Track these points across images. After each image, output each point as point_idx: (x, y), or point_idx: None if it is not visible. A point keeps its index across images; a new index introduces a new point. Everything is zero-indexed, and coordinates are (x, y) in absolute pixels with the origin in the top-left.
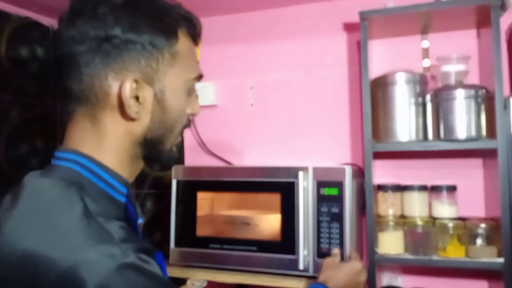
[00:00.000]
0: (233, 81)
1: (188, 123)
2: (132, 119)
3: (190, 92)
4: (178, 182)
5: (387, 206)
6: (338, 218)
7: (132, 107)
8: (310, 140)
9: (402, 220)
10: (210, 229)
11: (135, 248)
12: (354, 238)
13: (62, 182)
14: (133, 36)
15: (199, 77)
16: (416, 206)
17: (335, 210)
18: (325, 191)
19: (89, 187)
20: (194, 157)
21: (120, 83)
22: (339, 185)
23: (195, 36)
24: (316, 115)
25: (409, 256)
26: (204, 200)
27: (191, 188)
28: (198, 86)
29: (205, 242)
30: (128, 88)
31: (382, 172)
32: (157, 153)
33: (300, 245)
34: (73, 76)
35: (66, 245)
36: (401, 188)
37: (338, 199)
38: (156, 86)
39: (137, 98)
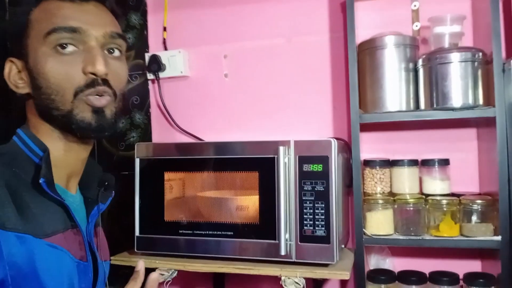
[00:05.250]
0: (205, 49)
1: (91, 83)
2: (25, 94)
3: (58, 50)
4: (141, 161)
5: (375, 183)
6: (323, 197)
7: (12, 85)
8: (290, 114)
9: (391, 198)
10: (179, 213)
11: None
12: (340, 218)
13: None
14: None
15: (62, 30)
16: (406, 183)
17: (319, 188)
18: (309, 167)
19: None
20: (162, 135)
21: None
22: (324, 160)
23: None
24: (296, 86)
25: (399, 237)
26: (172, 181)
27: (157, 168)
28: (165, 54)
29: (174, 227)
30: (7, 69)
31: (369, 147)
32: (59, 121)
33: (281, 228)
34: None
35: None
36: (389, 163)
37: (323, 176)
38: (26, 58)
39: (19, 73)
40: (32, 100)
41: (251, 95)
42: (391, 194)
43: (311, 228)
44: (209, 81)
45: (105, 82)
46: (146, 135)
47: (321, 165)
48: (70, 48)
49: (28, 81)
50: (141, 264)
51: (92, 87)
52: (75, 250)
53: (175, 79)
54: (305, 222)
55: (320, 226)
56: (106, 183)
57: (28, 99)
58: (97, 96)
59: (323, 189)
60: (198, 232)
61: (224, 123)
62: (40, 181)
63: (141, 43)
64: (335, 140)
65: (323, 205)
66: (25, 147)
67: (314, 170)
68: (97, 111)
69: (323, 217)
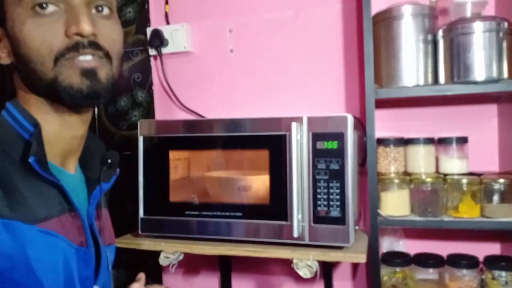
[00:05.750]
0: (209, 23)
1: (75, 46)
2: (10, 64)
3: (37, 11)
4: (145, 140)
5: (389, 162)
6: (338, 175)
7: None
8: (299, 91)
9: (407, 177)
10: (185, 194)
11: None
12: (356, 198)
13: None
14: None
15: None
16: (422, 161)
17: (334, 166)
18: (323, 144)
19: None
20: (165, 113)
21: None
22: (340, 137)
23: None
24: (306, 61)
25: (416, 218)
26: (178, 160)
27: (161, 146)
28: (168, 29)
29: (180, 208)
30: None
31: (382, 124)
32: (46, 92)
33: (294, 208)
34: None
35: None
36: (404, 142)
37: (338, 154)
38: (4, 24)
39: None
40: (17, 71)
41: (258, 72)
42: (406, 173)
43: (325, 208)
44: (213, 57)
45: (94, 44)
46: (148, 114)
47: (336, 142)
48: (50, 8)
49: (9, 50)
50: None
51: (76, 50)
52: (74, 235)
53: (178, 55)
54: (318, 202)
55: (335, 206)
56: (110, 160)
57: (14, 70)
58: (86, 57)
59: (338, 167)
60: (205, 213)
61: (230, 101)
62: (30, 160)
63: (142, 18)
64: (351, 116)
65: (338, 185)
66: (15, 123)
67: (329, 147)
68: (88, 73)
69: (338, 197)
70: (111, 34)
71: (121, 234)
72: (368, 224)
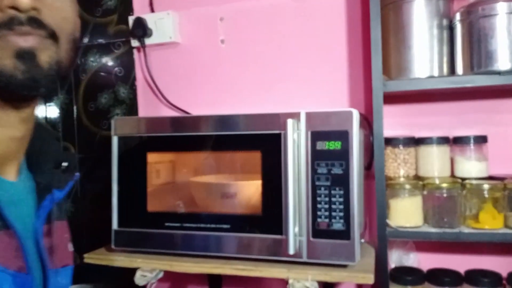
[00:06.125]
0: (197, 10)
1: (7, 22)
2: None
3: None
4: (120, 140)
5: (398, 164)
6: (342, 181)
7: None
8: (296, 86)
9: (420, 182)
10: (166, 203)
11: None
12: (362, 208)
13: None
14: None
15: None
16: (435, 164)
17: (337, 170)
18: (324, 145)
19: None
20: (149, 111)
21: None
22: (344, 136)
23: None
24: (305, 52)
25: (430, 229)
26: (158, 164)
27: (138, 148)
28: (152, 17)
29: (160, 219)
30: None
31: (389, 122)
32: None
33: (290, 220)
34: None
35: None
36: (415, 142)
37: (342, 156)
38: None
39: None
40: None
41: (251, 64)
42: (416, 177)
43: (327, 220)
44: (202, 48)
45: (34, 21)
46: (131, 111)
47: (339, 142)
48: None
49: None
50: None
51: (9, 28)
52: (9, 259)
53: (163, 46)
54: (319, 213)
55: (337, 218)
56: (65, 163)
57: None
58: (23, 36)
59: (341, 172)
60: (187, 225)
61: (221, 97)
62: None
63: (125, 6)
64: (357, 111)
65: (342, 192)
66: None
67: (331, 148)
68: (24, 55)
69: (341, 206)
70: (60, 10)
71: (98, 246)
72: (374, 234)
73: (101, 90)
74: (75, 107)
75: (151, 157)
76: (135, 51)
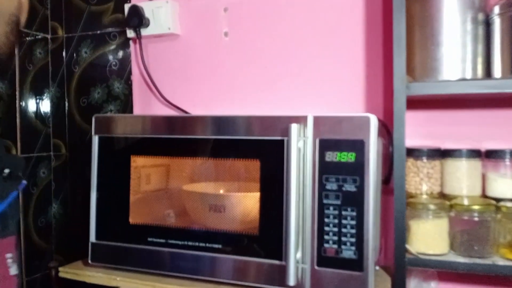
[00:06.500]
0: (199, 0)
1: None
2: None
3: None
4: (102, 141)
5: (420, 179)
6: (355, 201)
7: None
8: (306, 86)
9: (447, 202)
10: (150, 214)
11: None
12: (378, 231)
13: None
14: None
15: None
16: (464, 181)
17: (350, 187)
18: (335, 156)
19: None
20: (145, 109)
21: None
22: (358, 146)
23: None
24: (316, 47)
25: (458, 258)
26: (142, 169)
27: (121, 150)
28: (149, 5)
29: (143, 233)
30: None
31: (411, 130)
32: None
33: (291, 243)
34: None
35: None
36: (440, 154)
37: (356, 170)
38: None
39: None
40: None
41: (257, 60)
42: (441, 195)
43: (335, 246)
44: (204, 41)
45: None
46: (126, 108)
47: (353, 153)
48: None
49: None
50: None
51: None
52: None
53: (161, 38)
54: (326, 237)
55: (348, 244)
56: (7, 170)
57: None
58: None
59: (355, 189)
60: (172, 242)
61: (222, 95)
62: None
63: None
64: (375, 117)
65: (354, 213)
66: None
67: (343, 160)
68: None
69: (353, 230)
70: None
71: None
72: (390, 258)
73: (95, 84)
74: (66, 102)
75: (138, 161)
76: (131, 43)
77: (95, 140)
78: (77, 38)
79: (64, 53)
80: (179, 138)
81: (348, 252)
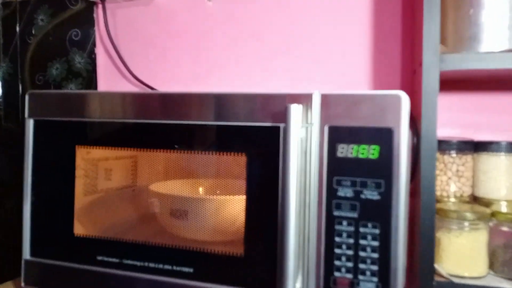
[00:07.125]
0: None
1: None
2: None
3: None
4: (37, 125)
5: (448, 178)
6: (379, 212)
7: None
8: (305, 59)
9: (488, 211)
10: (100, 224)
11: None
12: (405, 254)
13: None
14: None
15: None
16: (503, 181)
17: (371, 194)
18: (350, 150)
19: None
20: (111, 87)
21: None
22: (385, 137)
23: None
24: (315, 15)
25: (504, 284)
26: (92, 164)
27: (64, 139)
28: None
29: (90, 250)
30: None
31: (439, 118)
32: None
33: (288, 270)
34: None
35: None
36: (473, 147)
37: (381, 170)
38: None
39: None
40: None
41: (246, 30)
42: (472, 198)
43: (350, 276)
44: (183, 7)
45: None
46: (90, 87)
47: (376, 147)
48: None
49: None
50: None
51: None
52: None
53: (132, 2)
54: (337, 262)
55: (368, 273)
56: None
57: None
58: None
59: (378, 197)
60: (128, 262)
61: (206, 70)
62: None
63: None
64: (407, 96)
65: (378, 231)
66: None
67: (362, 157)
68: None
69: (375, 255)
70: None
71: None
72: (414, 280)
73: (52, 59)
74: (20, 80)
75: (87, 153)
76: (96, 8)
77: (30, 124)
78: (32, 3)
79: (17, 21)
80: (138, 123)
81: (368, 285)
